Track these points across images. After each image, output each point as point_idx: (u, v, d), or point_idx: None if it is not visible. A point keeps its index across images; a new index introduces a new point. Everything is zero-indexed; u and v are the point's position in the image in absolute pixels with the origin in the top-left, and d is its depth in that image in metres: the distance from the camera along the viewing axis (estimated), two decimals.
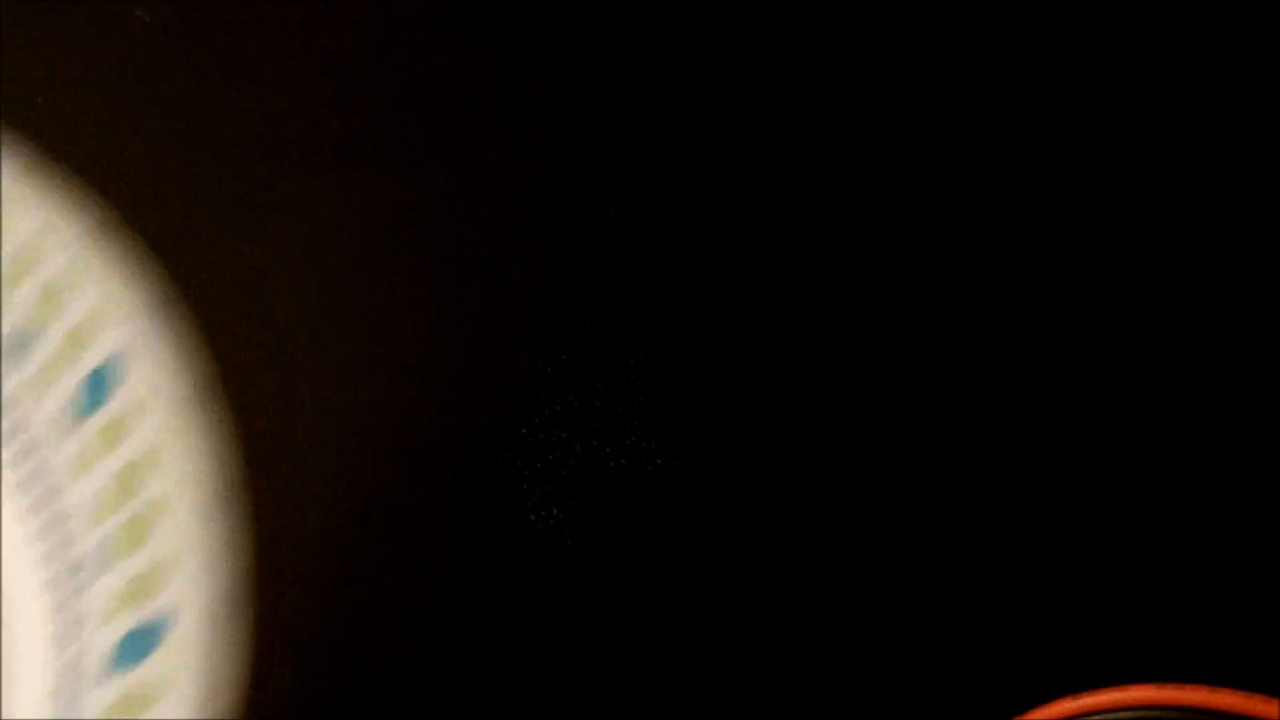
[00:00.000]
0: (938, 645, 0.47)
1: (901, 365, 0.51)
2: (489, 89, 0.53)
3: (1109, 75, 0.54)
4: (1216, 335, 0.52)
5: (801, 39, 0.54)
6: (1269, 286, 0.52)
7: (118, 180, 0.51)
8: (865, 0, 0.54)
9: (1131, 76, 0.54)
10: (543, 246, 0.52)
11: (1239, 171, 0.53)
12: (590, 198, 0.53)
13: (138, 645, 0.44)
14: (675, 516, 0.50)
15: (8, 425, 0.48)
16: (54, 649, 0.45)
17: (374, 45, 0.54)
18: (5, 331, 0.48)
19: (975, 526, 0.48)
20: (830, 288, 0.53)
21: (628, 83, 0.53)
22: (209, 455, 0.46)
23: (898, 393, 0.51)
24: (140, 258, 0.49)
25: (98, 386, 0.47)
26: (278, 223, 0.54)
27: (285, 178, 0.54)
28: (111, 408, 0.46)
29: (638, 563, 0.50)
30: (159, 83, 0.53)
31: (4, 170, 0.49)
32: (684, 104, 0.53)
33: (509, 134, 0.53)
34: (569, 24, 0.54)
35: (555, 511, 0.50)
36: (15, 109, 0.51)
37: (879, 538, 0.49)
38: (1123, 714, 0.43)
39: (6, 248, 0.48)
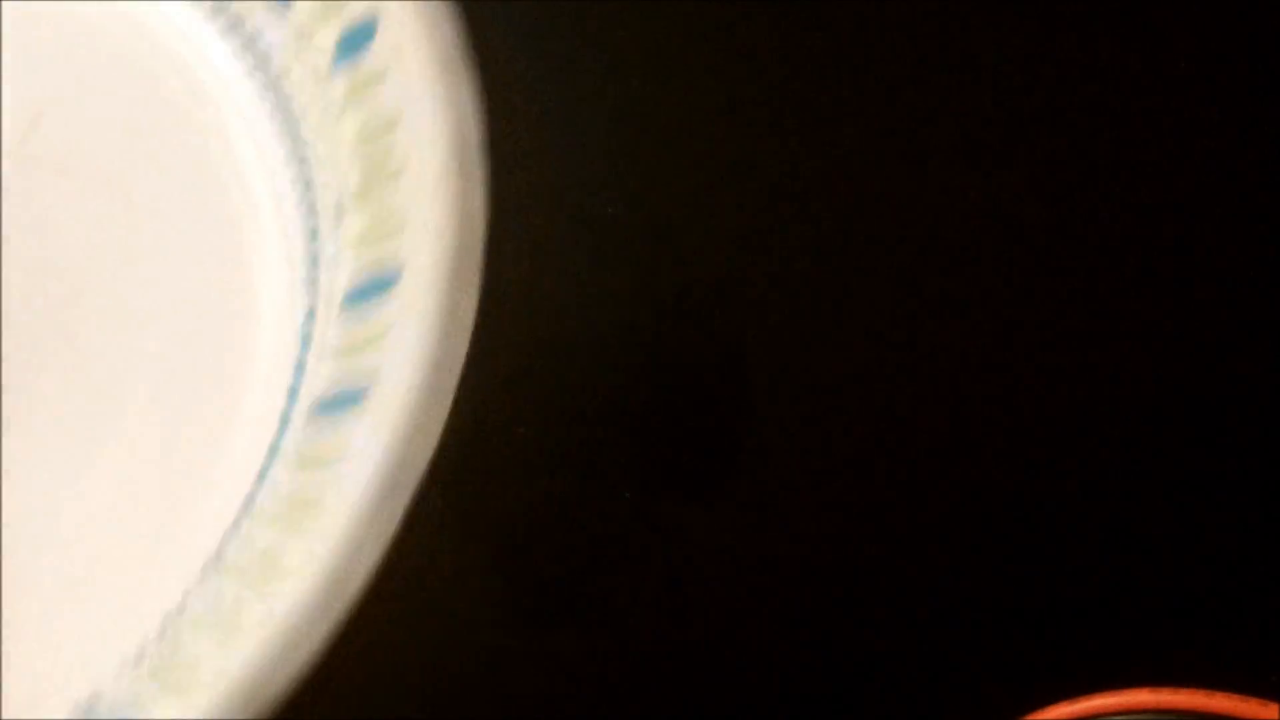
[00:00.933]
0: (932, 649, 0.47)
1: (894, 355, 0.52)
2: None
3: None
4: (1211, 341, 0.51)
5: None
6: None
7: None
8: None
9: None
10: None
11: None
12: None
13: (367, 293, 0.42)
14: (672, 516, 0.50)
15: (267, 80, 0.48)
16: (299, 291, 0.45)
17: None
18: None
19: (971, 530, 0.48)
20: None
21: None
22: (455, 118, 0.44)
23: (891, 389, 0.51)
24: None
25: (352, 42, 0.46)
26: None
27: None
28: (363, 64, 0.46)
29: (637, 560, 0.49)
30: None
31: None
32: None
33: None
34: None
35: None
36: None
37: (877, 540, 0.49)
38: (1119, 718, 0.42)
39: None
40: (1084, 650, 0.47)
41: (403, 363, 0.39)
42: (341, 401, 0.40)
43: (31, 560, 0.43)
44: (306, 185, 0.47)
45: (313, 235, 0.45)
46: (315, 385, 0.42)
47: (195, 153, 0.48)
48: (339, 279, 0.43)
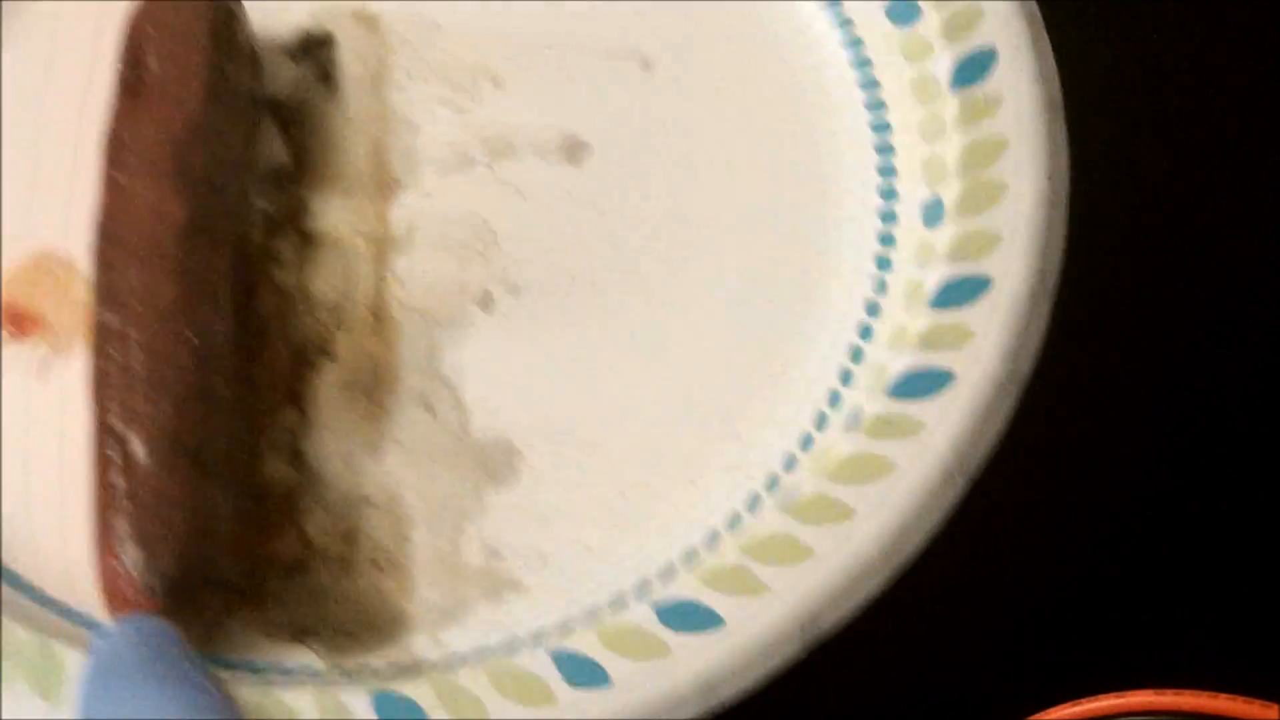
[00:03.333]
0: (940, 650, 0.50)
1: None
2: None
3: None
4: (1210, 350, 0.54)
5: None
6: None
7: None
8: None
9: None
10: None
11: None
12: None
13: (955, 295, 0.49)
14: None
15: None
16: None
17: None
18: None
19: (975, 532, 0.47)
20: None
21: None
22: (1052, 149, 0.51)
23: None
24: None
25: (968, 69, 0.53)
26: None
27: None
28: (976, 90, 0.52)
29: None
30: None
31: None
32: None
33: None
34: None
35: None
36: None
37: None
38: (1121, 719, 0.43)
39: None
40: (1087, 652, 0.49)
41: (985, 357, 0.48)
42: (927, 381, 0.48)
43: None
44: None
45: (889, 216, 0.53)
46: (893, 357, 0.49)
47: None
48: (928, 277, 0.50)
